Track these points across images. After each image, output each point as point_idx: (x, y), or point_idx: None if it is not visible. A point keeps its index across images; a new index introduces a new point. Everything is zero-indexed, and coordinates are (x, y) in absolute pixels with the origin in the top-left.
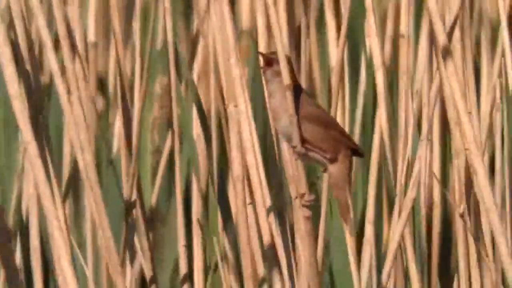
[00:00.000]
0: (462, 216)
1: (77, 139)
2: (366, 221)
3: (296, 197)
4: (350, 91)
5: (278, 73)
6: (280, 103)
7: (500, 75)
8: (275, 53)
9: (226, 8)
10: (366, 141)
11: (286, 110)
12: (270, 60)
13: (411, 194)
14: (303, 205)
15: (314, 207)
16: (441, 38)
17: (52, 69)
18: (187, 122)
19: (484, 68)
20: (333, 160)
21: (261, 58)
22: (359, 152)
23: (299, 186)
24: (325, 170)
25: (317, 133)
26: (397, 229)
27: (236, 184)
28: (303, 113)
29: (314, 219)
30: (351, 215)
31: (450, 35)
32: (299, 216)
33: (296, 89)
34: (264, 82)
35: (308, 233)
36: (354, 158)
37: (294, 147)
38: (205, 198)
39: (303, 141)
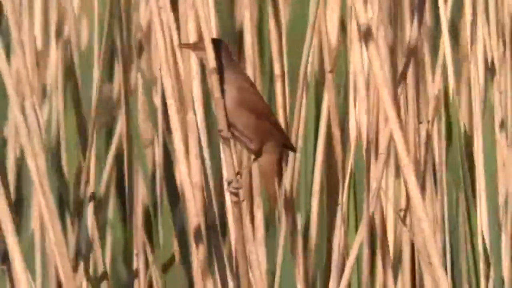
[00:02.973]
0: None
1: (29, 145)
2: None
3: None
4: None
5: (228, 56)
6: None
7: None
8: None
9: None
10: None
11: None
12: (197, 46)
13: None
14: (231, 192)
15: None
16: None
17: (5, 75)
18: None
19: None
20: (257, 152)
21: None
22: (290, 146)
23: (228, 173)
24: (255, 159)
25: (246, 120)
26: (356, 243)
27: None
28: (236, 97)
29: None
30: (280, 205)
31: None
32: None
33: (233, 70)
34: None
35: (236, 218)
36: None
37: (220, 131)
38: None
39: (230, 125)
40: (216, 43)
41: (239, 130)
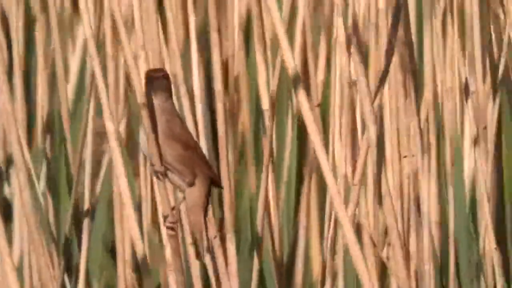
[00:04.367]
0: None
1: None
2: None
3: (164, 218)
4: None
5: (158, 89)
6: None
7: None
8: (158, 70)
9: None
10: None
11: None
12: (153, 78)
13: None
14: (167, 227)
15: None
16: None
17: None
18: None
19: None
20: (191, 184)
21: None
22: (218, 182)
23: (163, 207)
24: (184, 197)
25: (177, 154)
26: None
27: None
28: (167, 131)
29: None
30: (204, 241)
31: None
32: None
33: (167, 107)
34: None
35: (174, 251)
36: None
37: (152, 165)
38: None
39: (162, 159)
40: (153, 76)
41: (170, 163)
